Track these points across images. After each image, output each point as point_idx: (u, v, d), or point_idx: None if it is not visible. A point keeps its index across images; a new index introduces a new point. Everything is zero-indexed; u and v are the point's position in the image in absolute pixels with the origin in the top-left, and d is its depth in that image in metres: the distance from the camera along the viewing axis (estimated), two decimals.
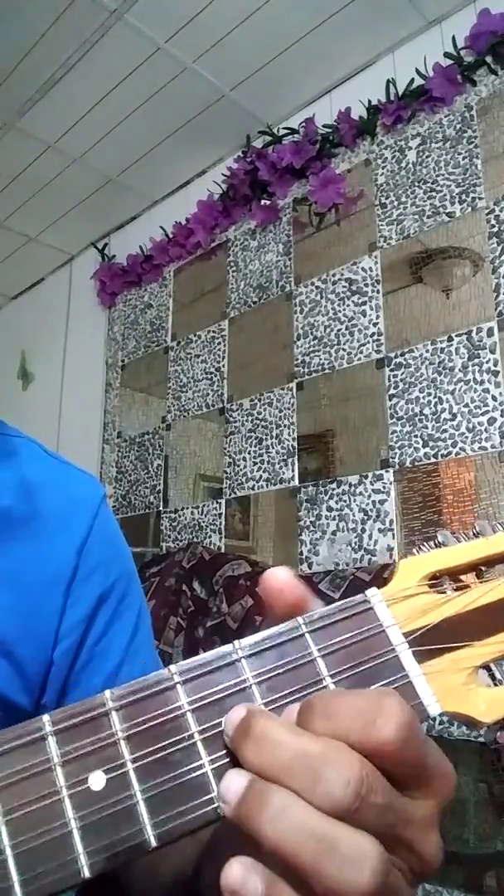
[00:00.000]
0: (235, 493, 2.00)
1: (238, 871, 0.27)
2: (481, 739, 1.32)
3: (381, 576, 1.53)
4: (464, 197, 1.63)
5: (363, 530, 1.65)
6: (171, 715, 0.31)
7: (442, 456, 1.54)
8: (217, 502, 2.05)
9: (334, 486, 1.74)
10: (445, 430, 1.55)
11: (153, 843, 0.29)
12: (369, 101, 1.84)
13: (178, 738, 0.31)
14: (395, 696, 0.29)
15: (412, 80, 1.75)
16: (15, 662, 0.53)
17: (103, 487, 0.66)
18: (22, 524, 0.57)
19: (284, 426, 1.91)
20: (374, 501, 1.65)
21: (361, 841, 0.26)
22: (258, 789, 0.28)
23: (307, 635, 0.32)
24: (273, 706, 0.31)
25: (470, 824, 1.29)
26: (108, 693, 0.31)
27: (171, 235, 2.38)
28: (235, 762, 0.30)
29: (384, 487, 1.64)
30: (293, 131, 2.01)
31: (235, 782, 0.29)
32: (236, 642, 0.32)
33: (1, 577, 0.54)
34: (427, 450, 1.57)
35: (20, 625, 0.54)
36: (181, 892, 0.47)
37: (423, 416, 1.60)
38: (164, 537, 2.19)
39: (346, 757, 0.28)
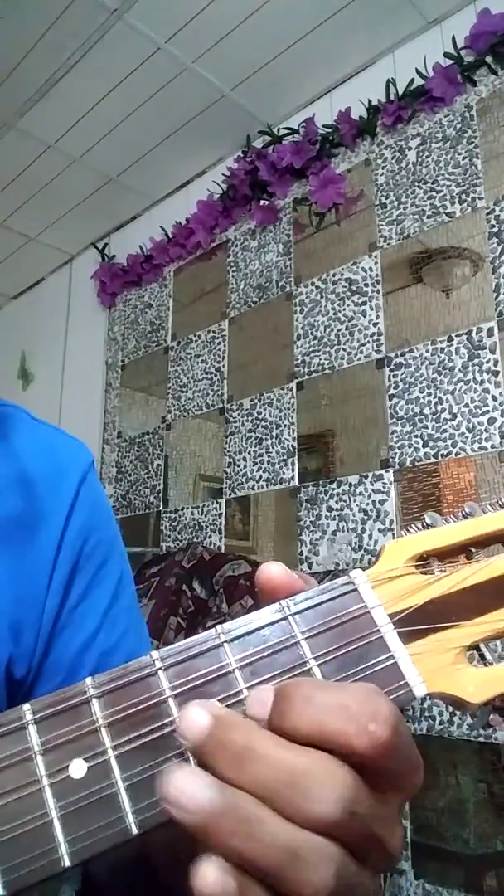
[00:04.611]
0: (235, 493, 1.99)
1: (214, 875, 0.26)
2: (481, 739, 1.31)
3: None
4: (464, 197, 1.63)
5: (363, 530, 1.65)
6: (153, 701, 0.31)
7: (442, 456, 1.54)
8: (217, 502, 2.04)
9: (334, 486, 1.74)
10: (445, 430, 1.54)
11: (134, 830, 0.29)
12: (369, 101, 1.83)
13: (159, 724, 0.30)
14: (384, 696, 0.28)
15: (412, 80, 1.74)
16: (15, 629, 0.53)
17: (91, 453, 0.66)
18: (9, 490, 0.57)
19: (284, 426, 1.90)
20: (374, 501, 1.64)
21: (326, 847, 0.26)
22: (232, 804, 0.26)
23: (290, 618, 0.32)
24: None
25: (470, 824, 1.28)
26: (89, 680, 0.31)
27: (171, 235, 2.38)
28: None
29: (384, 487, 1.63)
30: (293, 131, 2.01)
31: (201, 792, 0.26)
32: (219, 627, 0.32)
33: None
34: (427, 450, 1.57)
35: (17, 589, 0.54)
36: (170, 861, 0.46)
37: (423, 416, 1.59)
38: (164, 537, 2.19)
39: (337, 772, 0.26)
